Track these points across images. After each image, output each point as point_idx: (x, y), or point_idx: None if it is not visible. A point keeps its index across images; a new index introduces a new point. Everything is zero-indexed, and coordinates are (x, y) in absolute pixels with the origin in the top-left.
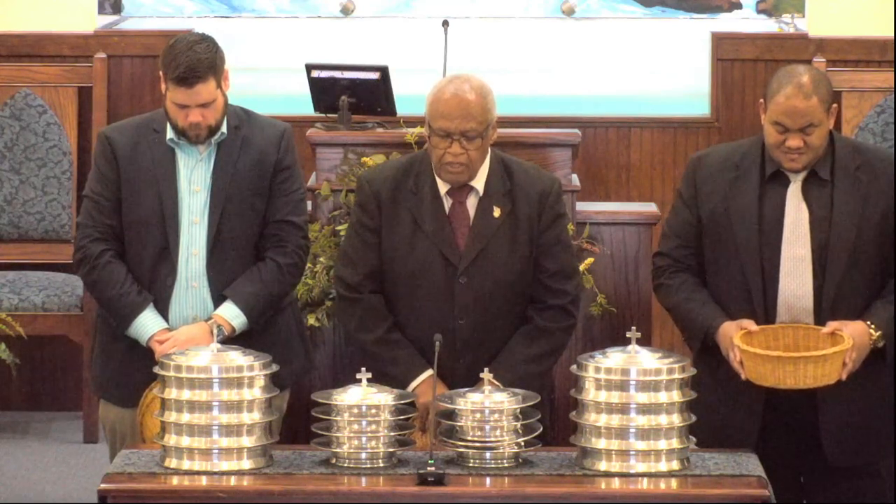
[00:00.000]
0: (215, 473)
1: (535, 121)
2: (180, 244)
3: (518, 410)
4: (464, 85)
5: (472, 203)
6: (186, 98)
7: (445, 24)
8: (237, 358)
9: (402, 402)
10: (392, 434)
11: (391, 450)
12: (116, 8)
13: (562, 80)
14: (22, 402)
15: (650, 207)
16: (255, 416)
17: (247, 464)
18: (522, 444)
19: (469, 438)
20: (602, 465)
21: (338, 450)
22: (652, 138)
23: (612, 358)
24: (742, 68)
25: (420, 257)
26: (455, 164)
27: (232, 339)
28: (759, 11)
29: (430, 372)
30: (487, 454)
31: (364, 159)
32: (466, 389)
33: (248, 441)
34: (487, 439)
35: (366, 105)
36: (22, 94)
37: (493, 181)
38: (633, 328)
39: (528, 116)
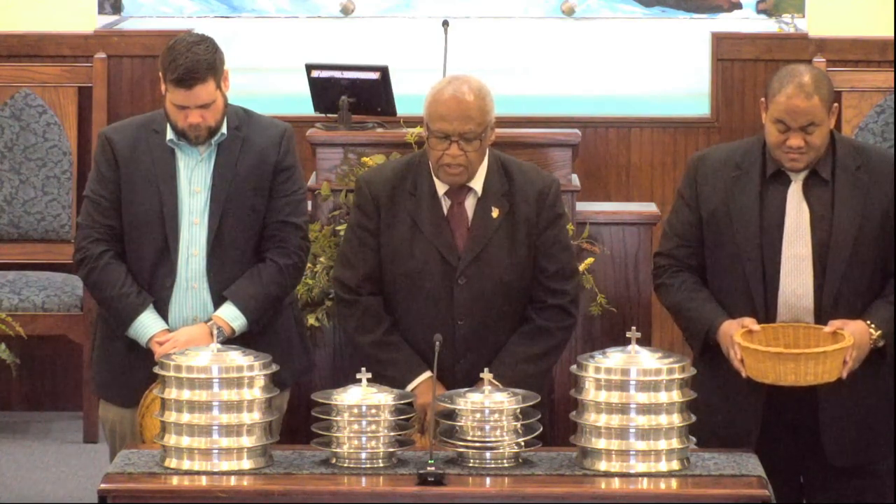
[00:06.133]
0: (215, 473)
1: (535, 121)
2: (180, 245)
3: (518, 410)
4: (462, 86)
5: (470, 204)
6: (186, 99)
7: (445, 24)
8: (237, 358)
9: (402, 402)
10: (392, 434)
11: (391, 450)
12: (116, 8)
13: (562, 80)
14: (22, 402)
15: (650, 207)
16: (255, 416)
17: (247, 464)
18: (522, 444)
19: (469, 438)
20: (602, 465)
21: (338, 450)
22: (652, 138)
23: (612, 358)
24: (742, 68)
25: (419, 259)
26: (453, 166)
27: (232, 340)
28: (759, 11)
29: (428, 374)
30: (487, 454)
31: (364, 159)
32: (466, 389)
33: (248, 441)
34: (487, 439)
35: (366, 105)
36: (22, 94)
37: (492, 182)
38: (633, 328)
39: (528, 116)
